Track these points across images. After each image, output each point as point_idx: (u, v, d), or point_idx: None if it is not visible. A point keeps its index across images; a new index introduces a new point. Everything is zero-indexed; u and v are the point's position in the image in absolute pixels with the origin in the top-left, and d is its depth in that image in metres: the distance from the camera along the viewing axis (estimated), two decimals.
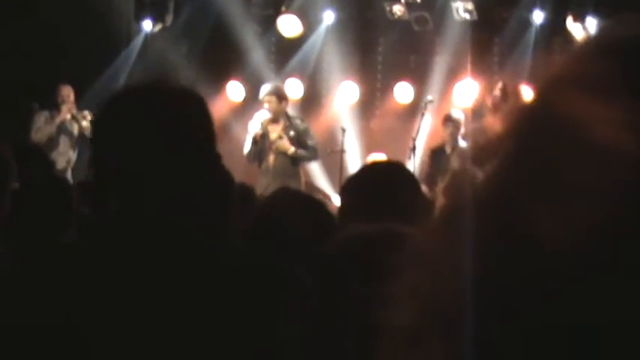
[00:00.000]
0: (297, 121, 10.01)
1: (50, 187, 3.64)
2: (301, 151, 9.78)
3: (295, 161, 9.82)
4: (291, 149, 9.72)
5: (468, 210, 0.71)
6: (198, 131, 2.06)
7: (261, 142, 9.71)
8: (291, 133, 9.77)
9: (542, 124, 0.71)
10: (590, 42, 0.77)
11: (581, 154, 0.66)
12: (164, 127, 2.01)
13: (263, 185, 9.08)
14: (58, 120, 10.66)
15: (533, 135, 0.71)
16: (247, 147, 9.77)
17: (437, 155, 9.95)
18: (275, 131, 9.75)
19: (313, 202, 3.25)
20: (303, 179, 10.03)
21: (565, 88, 0.71)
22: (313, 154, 10.01)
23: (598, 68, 0.71)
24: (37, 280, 2.02)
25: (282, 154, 9.73)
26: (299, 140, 9.78)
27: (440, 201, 9.03)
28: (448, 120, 10.06)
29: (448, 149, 10.00)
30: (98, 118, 2.11)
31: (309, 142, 9.88)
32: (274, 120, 9.73)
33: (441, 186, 9.32)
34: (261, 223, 2.99)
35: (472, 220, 0.70)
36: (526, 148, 0.70)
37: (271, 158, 9.74)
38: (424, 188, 9.49)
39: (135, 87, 2.20)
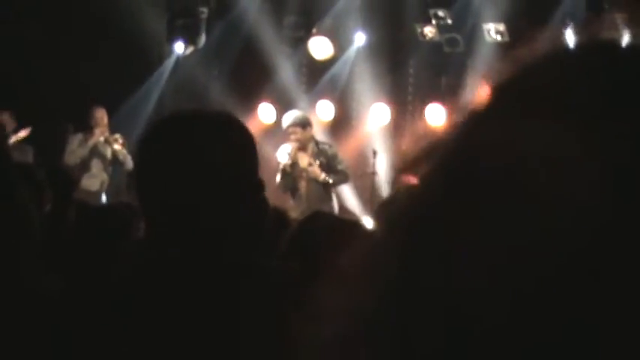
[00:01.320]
0: (326, 147, 10.01)
1: (106, 214, 3.65)
2: (332, 176, 9.77)
3: (327, 186, 9.80)
4: (322, 176, 9.70)
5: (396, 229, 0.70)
6: (242, 160, 2.04)
7: (291, 171, 9.72)
8: (321, 159, 9.76)
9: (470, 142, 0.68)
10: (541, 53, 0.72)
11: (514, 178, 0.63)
12: (209, 156, 1.99)
13: (298, 212, 8.94)
14: (90, 142, 10.73)
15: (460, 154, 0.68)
16: (278, 179, 9.75)
17: None
18: (304, 159, 9.75)
19: (347, 224, 3.24)
20: (336, 203, 10.01)
21: (508, 100, 0.68)
22: (344, 178, 9.99)
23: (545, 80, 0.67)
24: (80, 306, 2.03)
25: (313, 180, 9.72)
26: (329, 165, 9.77)
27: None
28: None
29: None
30: (143, 146, 2.08)
31: (339, 167, 9.86)
32: (302, 148, 9.74)
33: None
34: (296, 246, 2.98)
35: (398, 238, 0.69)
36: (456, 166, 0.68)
37: (303, 186, 9.75)
38: None
39: (178, 114, 2.17)
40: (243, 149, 2.05)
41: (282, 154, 9.79)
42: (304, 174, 9.72)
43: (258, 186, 2.09)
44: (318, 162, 9.74)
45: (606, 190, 0.60)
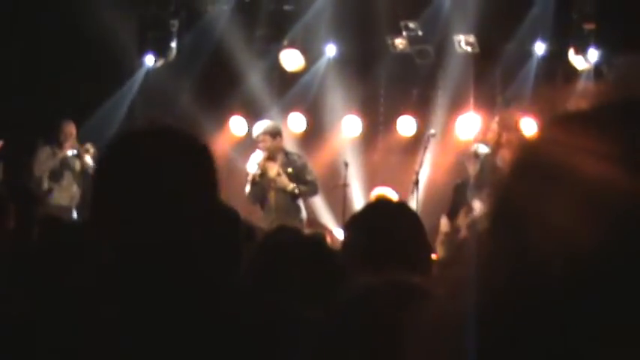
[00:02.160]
0: (295, 157, 10.02)
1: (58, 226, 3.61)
2: (301, 187, 9.77)
3: (296, 197, 9.80)
4: (290, 185, 9.70)
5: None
6: (200, 179, 2.06)
7: (260, 181, 9.73)
8: (289, 169, 9.77)
9: (540, 159, 0.80)
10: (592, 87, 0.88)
11: (575, 185, 0.75)
12: (166, 173, 2.02)
13: (266, 223, 9.04)
14: (60, 155, 10.66)
15: (533, 168, 0.80)
16: (247, 188, 9.76)
17: (460, 189, 9.79)
18: (273, 169, 9.75)
19: (311, 240, 3.29)
20: (304, 215, 10.01)
21: (566, 124, 0.81)
22: (313, 189, 9.99)
23: (597, 108, 0.81)
24: (45, 321, 2.02)
25: (282, 191, 9.72)
26: (298, 176, 9.77)
27: (463, 234, 9.02)
28: (475, 156, 9.75)
29: (472, 184, 9.77)
30: (102, 160, 2.12)
31: (308, 177, 9.86)
32: (271, 158, 9.75)
33: (462, 219, 9.31)
34: (260, 263, 3.00)
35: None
36: (525, 181, 0.80)
37: (272, 196, 9.75)
38: (445, 221, 9.49)
39: (140, 130, 2.20)
40: (202, 166, 2.08)
41: (252, 164, 9.81)
42: (273, 184, 9.72)
43: (218, 204, 2.14)
44: (286, 172, 9.73)
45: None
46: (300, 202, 9.94)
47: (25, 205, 3.72)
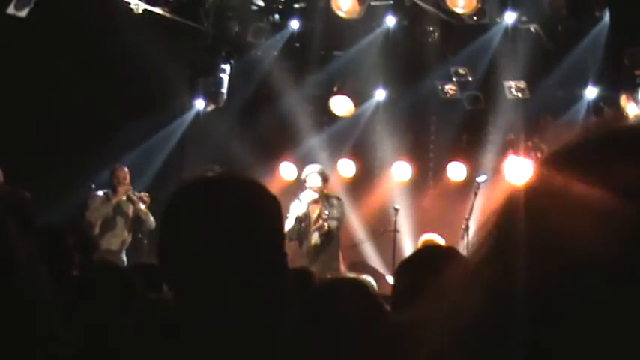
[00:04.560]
0: (334, 201, 10.15)
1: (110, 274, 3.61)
2: (332, 222, 9.96)
3: (335, 241, 9.96)
4: (326, 226, 9.90)
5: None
6: (268, 227, 2.08)
7: (303, 219, 9.91)
8: (326, 213, 9.95)
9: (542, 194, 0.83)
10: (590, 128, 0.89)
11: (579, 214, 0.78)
12: (238, 222, 2.03)
13: (305, 262, 9.29)
14: (114, 201, 10.70)
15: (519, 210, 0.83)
16: (290, 225, 9.80)
17: None
18: (315, 211, 9.97)
19: (359, 287, 3.25)
20: (341, 260, 10.15)
21: (562, 161, 0.84)
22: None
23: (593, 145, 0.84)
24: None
25: (322, 235, 9.90)
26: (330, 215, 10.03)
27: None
28: None
29: None
30: (168, 207, 2.11)
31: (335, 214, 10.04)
32: (315, 201, 9.95)
33: None
34: (313, 312, 2.96)
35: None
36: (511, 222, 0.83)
37: (312, 238, 9.94)
38: None
39: (209, 178, 2.24)
40: (267, 212, 2.09)
41: (301, 202, 9.96)
42: (314, 227, 9.92)
43: (282, 249, 2.12)
44: (324, 215, 9.92)
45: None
46: (339, 247, 10.13)
47: (87, 254, 3.68)
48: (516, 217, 0.82)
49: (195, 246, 2.01)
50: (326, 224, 9.88)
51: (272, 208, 2.09)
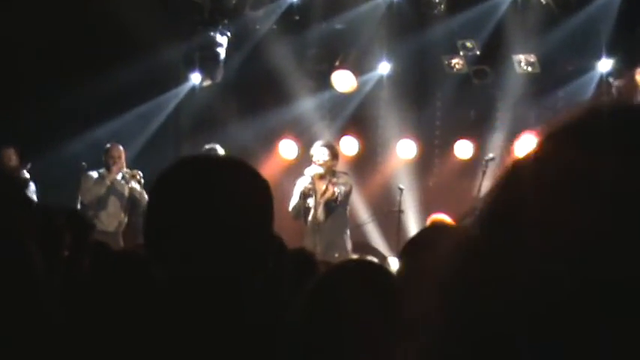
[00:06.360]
0: (342, 180, 9.79)
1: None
2: (340, 188, 9.67)
3: (342, 218, 9.63)
4: (335, 192, 9.59)
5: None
6: (255, 211, 2.08)
7: (309, 196, 9.61)
8: (335, 190, 9.63)
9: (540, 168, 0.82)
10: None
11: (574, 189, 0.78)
12: (227, 205, 2.05)
13: (311, 242, 9.04)
14: (108, 180, 10.41)
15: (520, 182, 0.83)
16: (295, 201, 9.62)
17: None
18: (321, 185, 9.61)
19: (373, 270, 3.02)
20: (349, 233, 9.81)
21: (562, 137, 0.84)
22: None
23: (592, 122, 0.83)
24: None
25: (329, 212, 9.57)
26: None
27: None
28: None
29: None
30: (156, 188, 2.14)
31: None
32: (323, 176, 9.59)
33: None
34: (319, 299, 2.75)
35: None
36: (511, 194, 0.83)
37: (319, 214, 9.56)
38: None
39: (198, 159, 2.29)
40: (257, 195, 2.09)
41: (305, 177, 9.66)
42: (321, 202, 9.59)
43: (272, 238, 2.15)
44: (333, 190, 9.62)
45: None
46: (347, 226, 9.81)
47: (79, 234, 3.69)
48: (518, 188, 0.82)
49: (183, 228, 2.02)
50: (336, 190, 9.52)
51: (261, 191, 2.11)
